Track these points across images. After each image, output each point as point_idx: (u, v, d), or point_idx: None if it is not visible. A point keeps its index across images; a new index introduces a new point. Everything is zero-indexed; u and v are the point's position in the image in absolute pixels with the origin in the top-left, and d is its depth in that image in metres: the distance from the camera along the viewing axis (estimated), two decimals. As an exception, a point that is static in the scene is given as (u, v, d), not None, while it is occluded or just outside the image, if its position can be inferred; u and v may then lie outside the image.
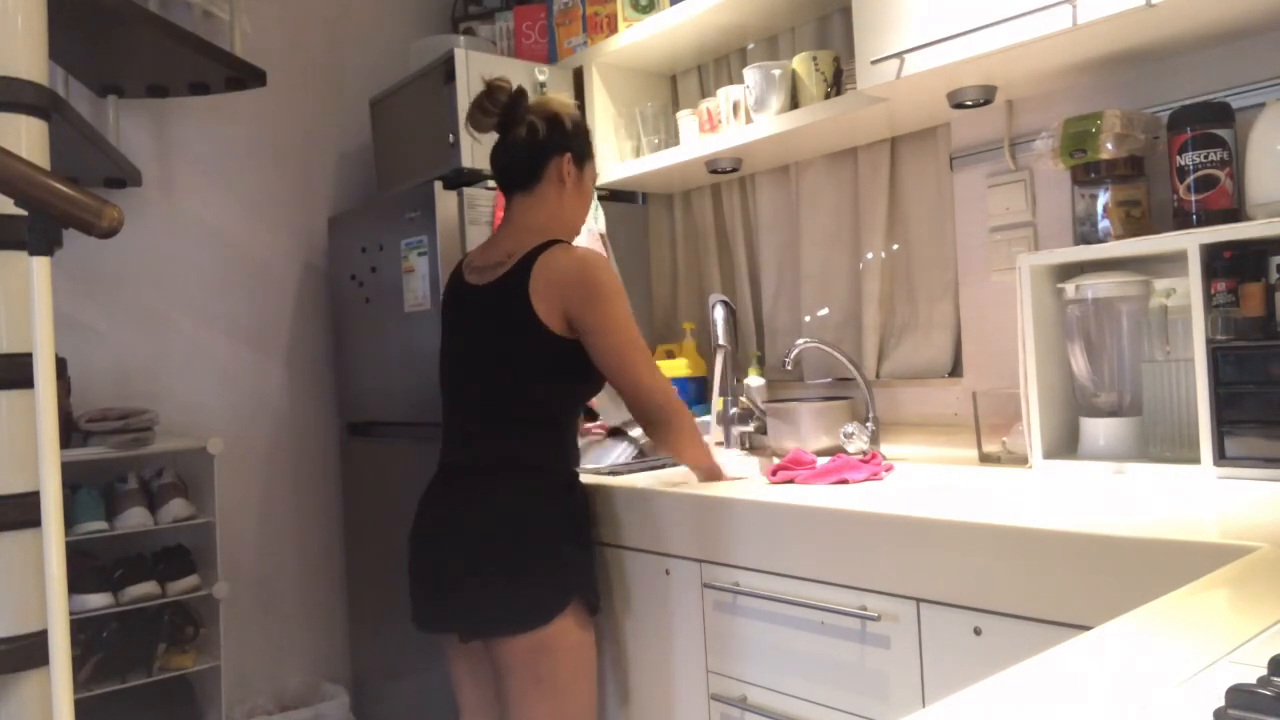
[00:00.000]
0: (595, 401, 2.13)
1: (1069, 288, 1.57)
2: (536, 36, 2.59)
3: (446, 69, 2.25)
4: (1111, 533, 1.05)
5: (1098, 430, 1.56)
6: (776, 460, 1.79)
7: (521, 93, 1.65)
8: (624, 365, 1.56)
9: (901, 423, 2.05)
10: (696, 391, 2.34)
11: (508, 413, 1.60)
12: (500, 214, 2.15)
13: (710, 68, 2.46)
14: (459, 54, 2.24)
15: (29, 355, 1.36)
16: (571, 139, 1.66)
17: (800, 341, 1.98)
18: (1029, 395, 1.59)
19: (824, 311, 2.25)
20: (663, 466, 1.98)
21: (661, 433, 1.62)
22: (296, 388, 2.74)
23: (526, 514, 1.56)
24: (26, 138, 1.46)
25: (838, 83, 1.97)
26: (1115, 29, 1.44)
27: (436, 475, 1.67)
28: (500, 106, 1.63)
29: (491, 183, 2.22)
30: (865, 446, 1.91)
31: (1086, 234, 1.60)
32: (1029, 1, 1.44)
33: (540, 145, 1.63)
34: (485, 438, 1.61)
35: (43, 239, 1.23)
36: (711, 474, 1.72)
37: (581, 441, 2.02)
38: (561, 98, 1.71)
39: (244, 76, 2.25)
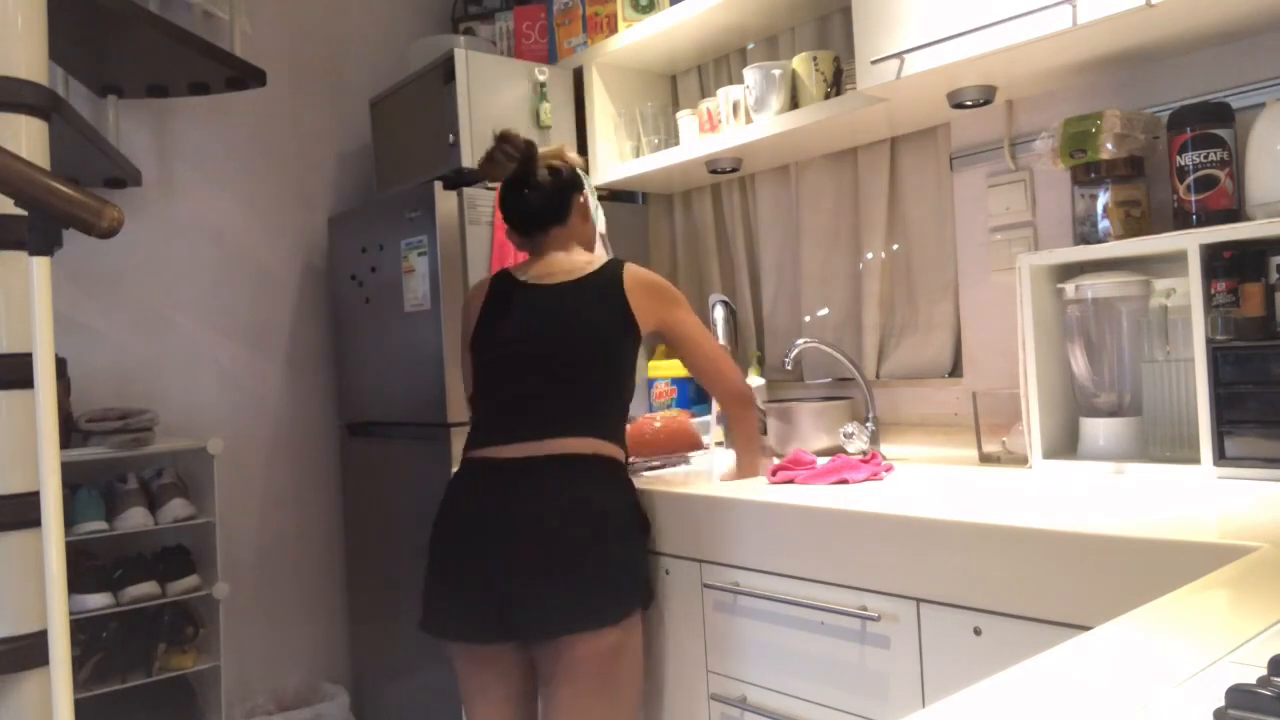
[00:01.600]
0: None
1: (1069, 288, 1.57)
2: (536, 36, 2.59)
3: (446, 69, 2.25)
4: (1111, 533, 1.05)
5: (1098, 430, 1.56)
6: (776, 460, 1.79)
7: (530, 141, 1.78)
8: (712, 359, 1.74)
9: (901, 423, 2.05)
10: (696, 392, 2.34)
11: (590, 406, 1.61)
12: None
13: (710, 68, 2.46)
14: (459, 54, 2.24)
15: (29, 355, 1.36)
16: (581, 179, 1.83)
17: (800, 341, 1.98)
18: (1029, 395, 1.59)
19: (824, 311, 2.25)
20: (662, 466, 1.98)
21: (744, 415, 1.78)
22: (296, 388, 2.74)
23: (609, 504, 1.56)
24: (26, 138, 1.46)
25: (838, 83, 1.97)
26: (1115, 29, 1.44)
27: (481, 473, 1.59)
28: (520, 150, 1.73)
29: (492, 184, 2.22)
30: (865, 446, 1.91)
31: (1086, 234, 1.60)
32: (1029, 1, 1.44)
33: (565, 185, 1.77)
34: (562, 431, 1.57)
35: (43, 239, 1.23)
36: (754, 459, 1.81)
37: None
38: (564, 144, 1.88)
39: (244, 76, 2.25)
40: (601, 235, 2.23)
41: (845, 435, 1.92)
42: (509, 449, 1.58)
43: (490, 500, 1.55)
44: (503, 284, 1.74)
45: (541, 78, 2.38)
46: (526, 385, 1.62)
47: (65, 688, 1.21)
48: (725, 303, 2.16)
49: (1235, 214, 1.46)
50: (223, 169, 2.63)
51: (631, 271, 1.71)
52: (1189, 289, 1.38)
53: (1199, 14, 1.41)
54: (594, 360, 1.63)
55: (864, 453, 1.88)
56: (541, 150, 1.80)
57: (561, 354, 1.62)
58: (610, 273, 1.70)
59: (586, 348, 1.63)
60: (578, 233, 1.81)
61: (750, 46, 2.34)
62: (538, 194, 1.75)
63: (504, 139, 1.73)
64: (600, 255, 1.83)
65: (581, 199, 1.81)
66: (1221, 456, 1.35)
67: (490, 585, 1.52)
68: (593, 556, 1.51)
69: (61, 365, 2.18)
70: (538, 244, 1.77)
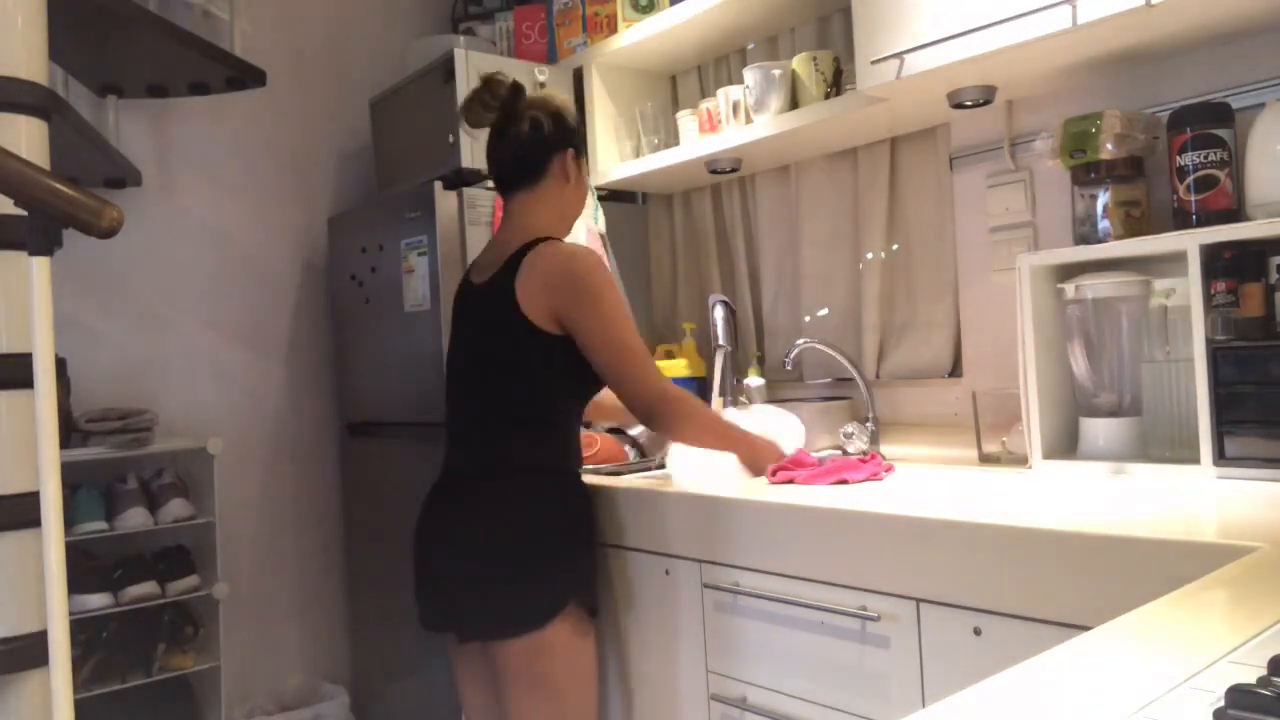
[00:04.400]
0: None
1: (1069, 288, 1.57)
2: (536, 36, 2.59)
3: (446, 69, 2.25)
4: (1111, 533, 1.05)
5: (1098, 430, 1.56)
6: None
7: (519, 87, 1.64)
8: (614, 363, 1.52)
9: (901, 423, 2.05)
10: (696, 392, 2.34)
11: (503, 413, 1.59)
12: (500, 216, 2.15)
13: (710, 68, 2.46)
14: (459, 54, 2.24)
15: (29, 355, 1.36)
16: (574, 134, 1.66)
17: (800, 341, 1.98)
18: (1029, 395, 1.59)
19: (824, 311, 2.25)
20: (662, 466, 1.98)
21: (665, 426, 1.56)
22: (296, 388, 2.74)
23: (522, 515, 1.56)
24: (26, 138, 1.45)
25: (838, 83, 1.97)
26: (1115, 29, 1.44)
27: (439, 478, 1.68)
28: (500, 101, 1.62)
29: (492, 182, 2.22)
30: (865, 446, 1.91)
31: (1086, 234, 1.60)
32: (1029, 1, 1.44)
33: (545, 141, 1.62)
34: (482, 439, 1.61)
35: (43, 239, 1.23)
36: (755, 452, 1.65)
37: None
38: (558, 93, 1.72)
39: (244, 76, 2.25)
40: (602, 235, 2.23)
41: (845, 435, 1.92)
42: (451, 461, 1.66)
43: (432, 509, 1.65)
44: (461, 283, 1.72)
45: (541, 78, 2.37)
46: (459, 397, 1.67)
47: (65, 688, 1.21)
48: (725, 303, 2.16)
49: (1235, 214, 1.46)
50: (223, 169, 2.63)
51: (532, 259, 1.53)
52: (1189, 289, 1.38)
53: (1199, 14, 1.41)
54: (502, 372, 1.57)
55: (864, 453, 1.88)
56: (529, 97, 1.63)
57: (477, 367, 1.61)
58: (511, 268, 1.54)
59: (492, 360, 1.58)
60: (550, 198, 1.63)
61: (750, 46, 2.34)
62: (509, 148, 1.62)
63: (486, 84, 1.61)
64: (561, 232, 1.66)
65: (568, 159, 1.63)
66: (1221, 456, 1.35)
67: (432, 584, 1.63)
68: (504, 567, 1.53)
69: (61, 365, 2.18)
70: (506, 211, 1.67)
